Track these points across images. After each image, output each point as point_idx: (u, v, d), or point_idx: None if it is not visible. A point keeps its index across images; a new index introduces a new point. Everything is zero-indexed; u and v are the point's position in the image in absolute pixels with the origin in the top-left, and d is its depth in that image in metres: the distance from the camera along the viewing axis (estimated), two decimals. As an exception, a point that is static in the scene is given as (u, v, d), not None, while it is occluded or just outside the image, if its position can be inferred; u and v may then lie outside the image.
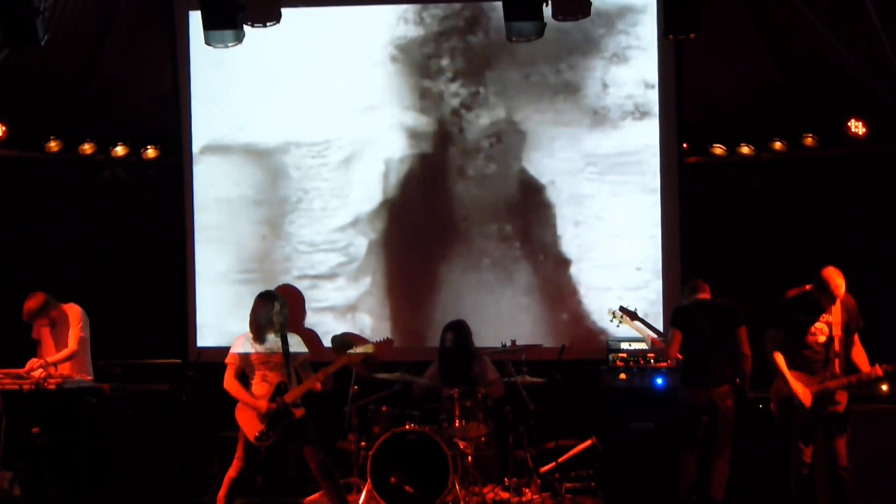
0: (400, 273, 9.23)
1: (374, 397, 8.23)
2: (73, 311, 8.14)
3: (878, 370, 6.81)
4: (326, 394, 7.51)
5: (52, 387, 7.68)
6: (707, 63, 9.23)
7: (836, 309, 6.91)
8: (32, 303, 8.04)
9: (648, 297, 8.96)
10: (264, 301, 7.35)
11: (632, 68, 9.06)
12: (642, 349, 8.36)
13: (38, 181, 9.79)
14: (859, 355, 6.95)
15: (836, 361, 6.88)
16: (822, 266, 6.94)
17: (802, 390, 6.84)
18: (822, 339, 6.91)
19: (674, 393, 8.15)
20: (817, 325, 6.92)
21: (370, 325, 9.15)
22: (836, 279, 6.85)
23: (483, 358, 8.46)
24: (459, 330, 8.48)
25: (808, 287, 6.97)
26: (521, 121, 9.13)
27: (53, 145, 9.62)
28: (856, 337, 6.97)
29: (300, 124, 9.34)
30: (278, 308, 7.30)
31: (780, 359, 6.95)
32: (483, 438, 7.93)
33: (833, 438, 6.91)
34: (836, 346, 6.88)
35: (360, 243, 9.27)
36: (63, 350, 7.97)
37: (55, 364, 7.83)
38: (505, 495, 7.97)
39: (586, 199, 9.08)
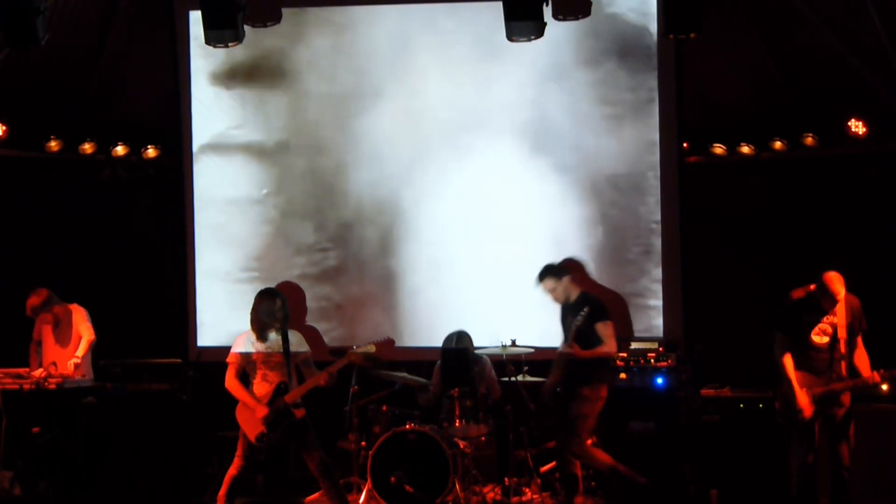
0: (401, 272, 9.22)
1: (375, 397, 8.23)
2: (80, 311, 8.19)
3: (877, 376, 6.82)
4: (326, 394, 7.52)
5: (53, 387, 7.71)
6: (707, 63, 9.23)
7: (841, 310, 6.92)
8: (35, 298, 8.09)
9: (648, 297, 8.95)
10: (266, 298, 7.37)
11: (632, 68, 9.05)
12: (643, 348, 8.36)
13: (38, 181, 9.79)
14: (861, 358, 6.96)
15: (843, 363, 6.89)
16: (822, 267, 6.98)
17: (806, 401, 6.85)
18: (825, 339, 6.92)
19: (674, 393, 8.18)
20: (821, 325, 6.94)
21: (371, 324, 9.13)
22: (836, 284, 6.87)
23: (485, 362, 8.46)
24: (461, 342, 8.46)
25: (811, 287, 6.98)
26: (521, 119, 9.12)
27: (53, 145, 9.62)
28: (859, 339, 6.98)
29: (300, 123, 9.34)
30: (280, 304, 7.31)
31: (788, 364, 6.96)
32: (483, 438, 7.93)
33: (836, 440, 6.91)
34: (842, 347, 6.89)
35: (361, 242, 9.26)
36: (81, 344, 8.00)
37: (79, 358, 7.94)
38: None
39: (586, 199, 9.08)
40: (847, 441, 6.91)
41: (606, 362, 7.74)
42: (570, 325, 7.66)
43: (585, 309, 7.55)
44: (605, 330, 7.59)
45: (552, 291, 7.83)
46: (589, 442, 7.79)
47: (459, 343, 8.45)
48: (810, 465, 6.94)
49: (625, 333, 8.50)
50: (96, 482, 8.08)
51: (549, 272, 7.85)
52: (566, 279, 7.83)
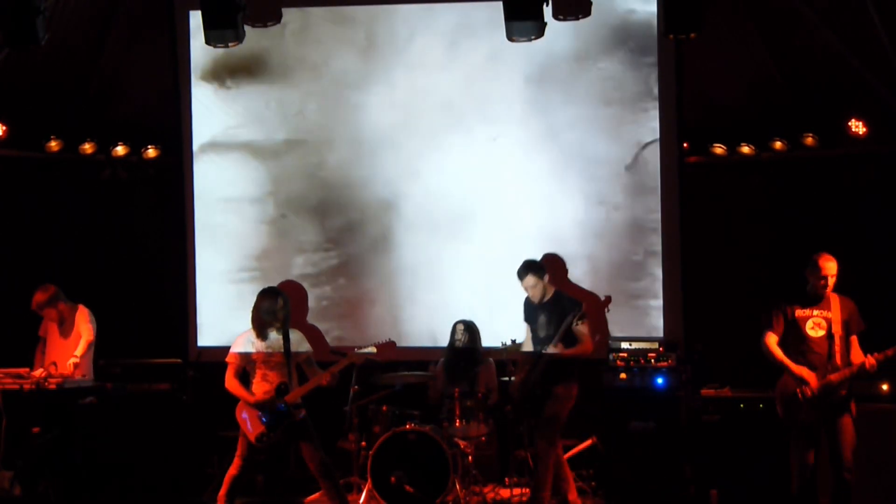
0: (402, 272, 9.22)
1: (375, 397, 8.23)
2: (84, 311, 8.21)
3: (871, 359, 6.82)
4: (327, 394, 7.52)
5: (53, 387, 7.71)
6: (707, 63, 9.23)
7: (836, 306, 6.95)
8: (41, 294, 8.11)
9: (648, 297, 8.95)
10: (267, 297, 7.37)
11: (632, 68, 9.05)
12: (643, 348, 8.36)
13: (38, 181, 9.79)
14: (857, 358, 6.95)
15: (838, 355, 6.90)
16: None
17: (806, 372, 6.86)
18: (821, 333, 6.94)
19: (674, 393, 8.18)
20: (814, 318, 6.96)
21: (372, 324, 9.13)
22: (826, 258, 6.94)
23: (490, 363, 8.45)
24: (471, 328, 8.49)
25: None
26: (521, 119, 9.12)
27: (53, 145, 9.62)
28: (854, 339, 6.99)
29: (300, 123, 9.34)
30: (281, 304, 7.31)
31: (771, 342, 7.00)
32: (483, 438, 7.94)
33: (837, 438, 6.89)
34: (837, 342, 6.90)
35: (362, 242, 9.27)
36: (80, 344, 8.00)
37: (78, 357, 7.94)
38: (505, 494, 7.98)
39: (586, 199, 9.08)
40: (849, 441, 6.88)
41: (579, 361, 7.71)
42: (543, 323, 7.64)
43: (582, 308, 7.55)
44: (582, 329, 7.58)
45: (532, 288, 7.76)
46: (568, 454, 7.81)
47: (468, 332, 8.44)
48: (811, 465, 6.94)
49: (600, 332, 8.46)
50: (96, 482, 8.08)
51: (533, 269, 7.78)
52: (546, 277, 7.81)
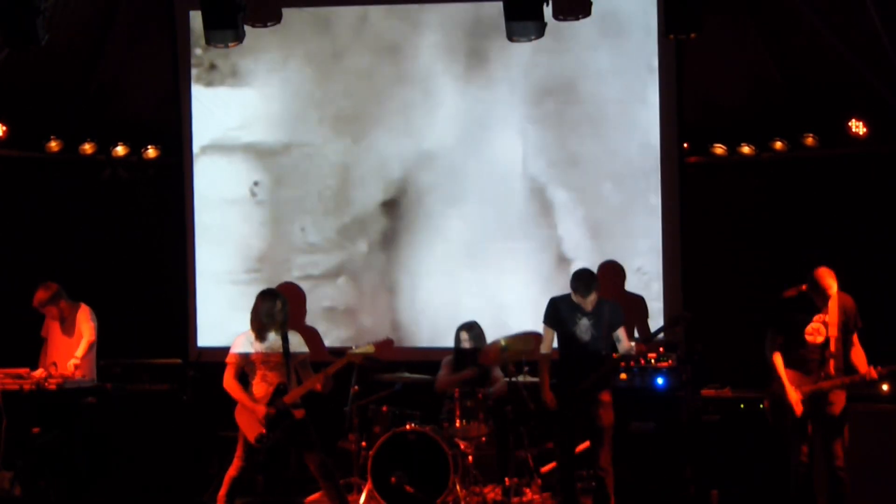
0: (401, 273, 9.23)
1: (375, 397, 8.23)
2: (85, 310, 8.22)
3: (874, 372, 6.82)
4: (327, 394, 7.53)
5: (53, 387, 7.71)
6: (707, 63, 9.23)
7: (833, 309, 6.94)
8: (43, 292, 8.10)
9: (649, 298, 8.95)
10: (266, 298, 7.36)
11: (632, 68, 9.05)
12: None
13: (38, 181, 9.79)
14: (858, 356, 6.96)
15: (832, 362, 6.90)
16: (817, 267, 6.99)
17: (795, 398, 6.86)
18: (819, 339, 6.93)
19: (674, 393, 8.17)
20: (813, 324, 6.95)
21: (371, 325, 9.14)
22: (828, 279, 6.90)
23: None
24: (474, 329, 8.47)
25: (803, 287, 6.99)
26: (521, 121, 9.13)
27: (53, 145, 9.61)
28: (854, 337, 6.98)
29: (300, 123, 9.34)
30: (280, 306, 7.31)
31: (778, 361, 6.98)
32: (483, 438, 7.93)
33: (829, 440, 6.91)
34: (832, 346, 6.90)
35: (362, 243, 9.27)
36: (81, 344, 8.00)
37: (79, 358, 7.94)
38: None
39: (586, 199, 9.08)
40: (841, 439, 6.90)
41: None
42: (587, 327, 7.33)
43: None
44: (622, 333, 7.48)
45: (591, 300, 7.36)
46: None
47: (472, 336, 8.41)
48: (806, 464, 6.94)
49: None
50: (96, 482, 8.08)
51: (597, 284, 7.41)
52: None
